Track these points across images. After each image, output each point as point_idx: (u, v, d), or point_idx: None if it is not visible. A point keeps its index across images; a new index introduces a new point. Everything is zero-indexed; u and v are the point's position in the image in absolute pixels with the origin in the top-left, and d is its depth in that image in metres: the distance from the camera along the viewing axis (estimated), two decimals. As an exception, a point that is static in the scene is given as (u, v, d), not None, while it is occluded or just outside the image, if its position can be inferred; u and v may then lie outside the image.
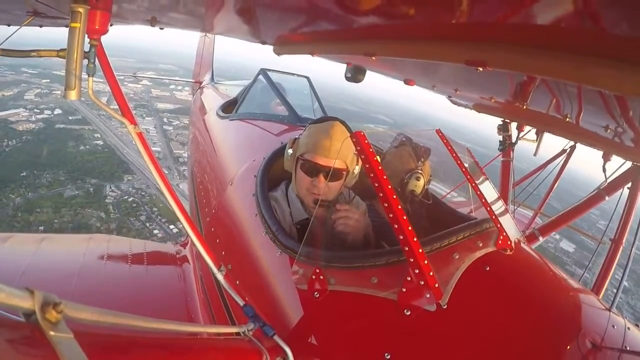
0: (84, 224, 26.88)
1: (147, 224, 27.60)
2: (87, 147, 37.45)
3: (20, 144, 35.26)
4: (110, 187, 31.51)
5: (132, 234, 26.15)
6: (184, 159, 33.19)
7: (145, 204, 30.44)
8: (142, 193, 31.46)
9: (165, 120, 46.37)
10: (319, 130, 1.76)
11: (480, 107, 3.49)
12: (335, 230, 1.66)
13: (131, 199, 30.54)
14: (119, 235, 25.54)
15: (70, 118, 41.58)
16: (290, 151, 1.82)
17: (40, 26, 2.15)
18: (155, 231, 27.36)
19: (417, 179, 2.15)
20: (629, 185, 3.25)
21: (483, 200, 1.61)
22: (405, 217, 1.22)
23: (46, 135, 37.74)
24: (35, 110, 41.98)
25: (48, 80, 49.50)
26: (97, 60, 1.44)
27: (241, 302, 1.55)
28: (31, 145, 35.28)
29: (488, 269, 1.34)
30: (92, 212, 28.50)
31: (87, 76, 1.42)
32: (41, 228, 25.39)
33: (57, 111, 42.99)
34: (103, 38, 1.44)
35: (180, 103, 47.63)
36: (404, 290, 1.21)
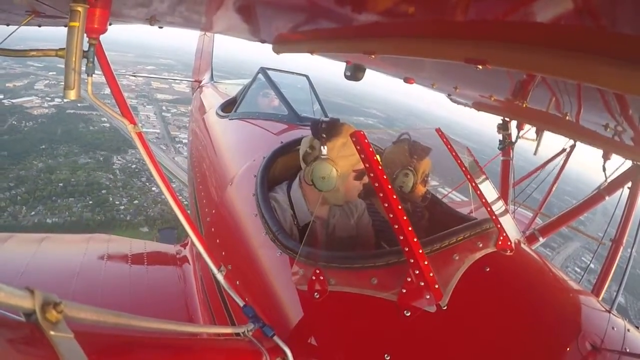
0: (96, 182, 33.58)
1: (147, 184, 33.80)
2: (96, 127, 43.70)
3: (37, 125, 41.29)
4: (117, 157, 38.18)
5: (135, 189, 33.34)
6: (179, 139, 42.68)
7: (146, 169, 37.30)
8: (143, 162, 36.86)
9: (164, 108, 53.20)
10: (349, 142, 1.69)
11: (479, 106, 3.49)
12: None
13: (134, 165, 36.81)
14: (124, 191, 32.48)
15: (79, 105, 47.07)
16: (328, 176, 1.70)
17: (39, 25, 2.15)
18: (154, 188, 32.82)
19: (406, 175, 2.14)
20: (629, 184, 3.24)
21: (483, 200, 1.60)
22: (405, 218, 1.21)
23: (59, 118, 43.89)
24: (47, 98, 47.47)
25: (54, 73, 53.90)
26: (96, 59, 1.44)
27: (241, 303, 1.55)
28: (46, 126, 41.53)
29: (488, 269, 1.34)
30: (102, 174, 35.04)
31: (86, 75, 1.42)
32: (60, 184, 31.88)
33: (67, 99, 47.86)
34: (102, 36, 1.43)
35: (178, 94, 54.47)
36: (404, 291, 1.21)
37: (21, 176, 31.78)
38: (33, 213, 28.80)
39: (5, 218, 27.52)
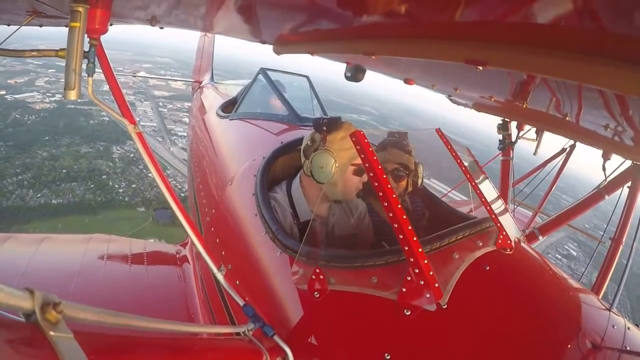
0: (97, 169, 36.39)
1: (144, 170, 35.68)
2: (96, 121, 45.69)
3: (39, 118, 43.72)
4: (116, 147, 40.76)
5: (133, 175, 35.97)
6: (175, 132, 46.10)
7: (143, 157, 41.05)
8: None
9: (160, 104, 55.94)
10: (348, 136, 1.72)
11: (480, 106, 3.49)
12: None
13: (132, 154, 38.92)
14: (123, 176, 34.84)
15: (79, 100, 48.33)
16: (327, 166, 1.71)
17: (40, 25, 2.15)
18: (150, 174, 34.31)
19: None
20: (629, 184, 3.24)
21: (483, 200, 1.61)
22: (405, 217, 1.21)
23: (60, 112, 45.82)
24: (48, 94, 49.38)
25: (54, 70, 55.74)
26: (96, 59, 1.44)
27: (241, 302, 1.55)
28: (48, 119, 44.01)
29: (488, 268, 1.34)
30: (102, 162, 37.76)
31: (86, 76, 1.42)
32: (64, 171, 34.42)
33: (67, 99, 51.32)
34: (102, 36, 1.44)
35: (174, 91, 57.93)
36: (404, 290, 1.21)
37: (27, 163, 34.08)
38: (39, 195, 30.74)
39: (14, 200, 29.52)
